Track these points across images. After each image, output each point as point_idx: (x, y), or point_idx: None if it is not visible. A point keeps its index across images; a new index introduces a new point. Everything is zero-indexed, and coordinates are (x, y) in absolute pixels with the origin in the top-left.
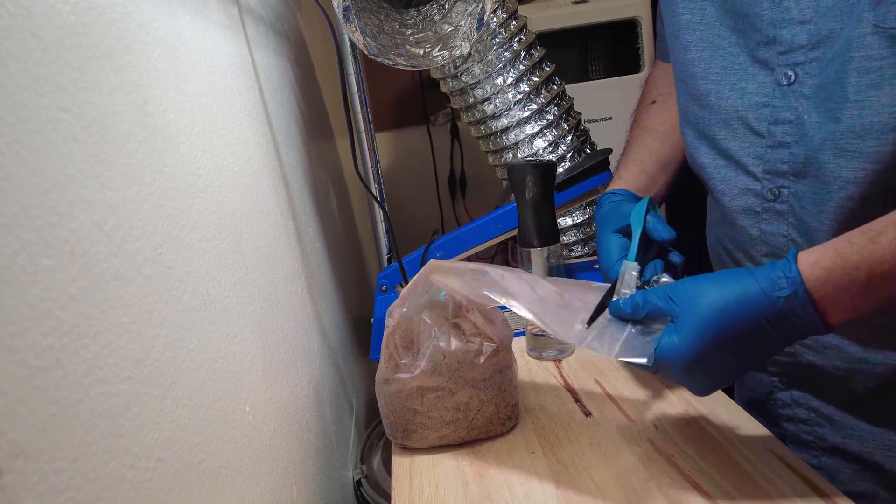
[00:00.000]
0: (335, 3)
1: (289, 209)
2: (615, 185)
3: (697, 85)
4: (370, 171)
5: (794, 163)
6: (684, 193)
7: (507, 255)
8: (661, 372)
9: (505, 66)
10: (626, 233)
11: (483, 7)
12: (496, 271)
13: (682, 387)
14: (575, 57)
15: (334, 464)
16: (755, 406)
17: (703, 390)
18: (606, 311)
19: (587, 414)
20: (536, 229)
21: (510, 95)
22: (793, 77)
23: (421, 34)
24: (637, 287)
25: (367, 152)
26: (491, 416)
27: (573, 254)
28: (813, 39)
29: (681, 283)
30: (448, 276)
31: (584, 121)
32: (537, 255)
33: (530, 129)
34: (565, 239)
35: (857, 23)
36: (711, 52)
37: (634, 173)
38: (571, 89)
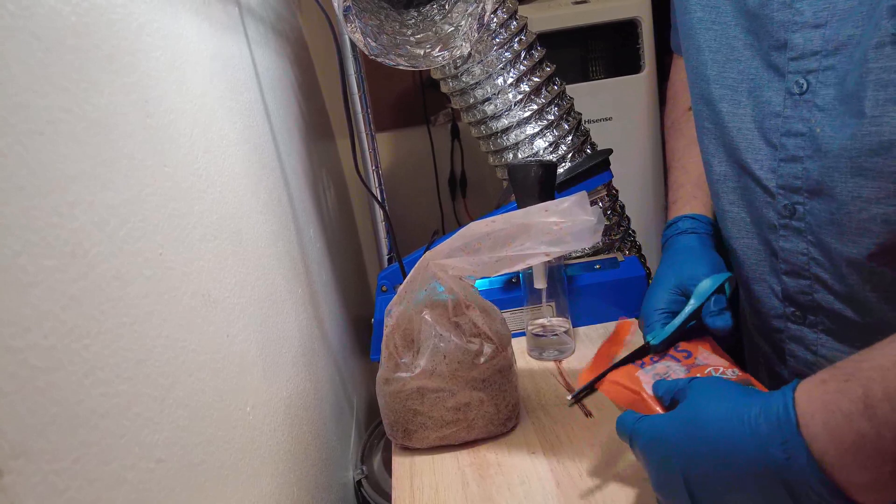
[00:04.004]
0: (335, 4)
1: (289, 209)
2: (693, 208)
3: (711, 89)
4: (371, 171)
5: (807, 179)
6: None
7: None
8: (634, 439)
9: (505, 66)
10: (685, 293)
11: (483, 7)
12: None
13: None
14: (575, 57)
15: (335, 464)
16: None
17: (658, 488)
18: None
19: (587, 414)
20: None
21: (510, 96)
22: (805, 86)
23: (421, 34)
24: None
25: (367, 152)
26: (491, 416)
27: (573, 254)
28: (828, 45)
29: (704, 381)
30: (446, 261)
31: (585, 121)
32: None
33: (531, 129)
34: None
35: (875, 31)
36: (726, 55)
37: (707, 193)
38: (572, 90)
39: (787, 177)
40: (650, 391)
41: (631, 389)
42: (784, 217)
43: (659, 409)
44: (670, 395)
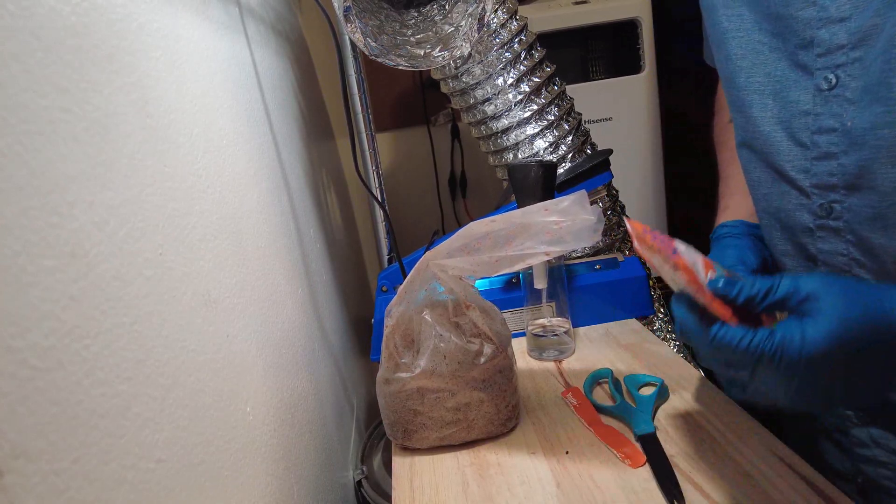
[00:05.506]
0: (336, 4)
1: (289, 209)
2: (726, 216)
3: (741, 96)
4: (371, 171)
5: (844, 175)
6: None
7: None
8: (762, 368)
9: (505, 66)
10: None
11: (484, 7)
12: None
13: (762, 395)
14: (575, 57)
15: (335, 464)
16: (830, 437)
17: (801, 400)
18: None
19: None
20: None
21: (511, 96)
22: (834, 81)
23: (421, 35)
24: None
25: (367, 153)
26: (491, 416)
27: (573, 254)
28: (854, 38)
29: (819, 277)
30: (446, 261)
31: (585, 121)
32: None
33: (531, 129)
34: None
35: None
36: (752, 60)
37: (738, 201)
38: (572, 90)
39: (822, 175)
40: (707, 284)
41: (691, 275)
42: (820, 218)
43: (715, 304)
44: (767, 299)
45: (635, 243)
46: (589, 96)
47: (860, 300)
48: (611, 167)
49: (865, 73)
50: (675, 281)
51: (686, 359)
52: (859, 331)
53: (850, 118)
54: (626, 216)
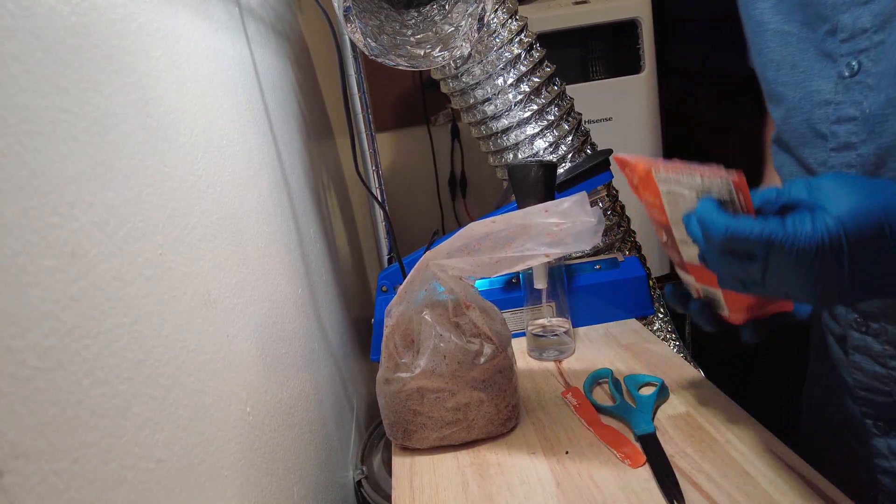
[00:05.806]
0: (336, 4)
1: (289, 209)
2: None
3: (770, 89)
4: (371, 171)
5: (864, 166)
6: None
7: None
8: (774, 256)
9: (505, 66)
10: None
11: (483, 7)
12: (481, 228)
13: (763, 290)
14: (575, 57)
15: (335, 464)
16: (847, 446)
17: (813, 291)
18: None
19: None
20: None
21: (511, 96)
22: (856, 67)
23: (421, 35)
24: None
25: (367, 153)
26: (491, 416)
27: (573, 254)
28: (877, 20)
29: (832, 175)
30: (446, 262)
31: (585, 121)
32: None
33: (531, 129)
34: None
35: None
36: (781, 52)
37: None
38: (572, 90)
39: (839, 167)
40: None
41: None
42: None
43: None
44: (781, 198)
45: (654, 173)
46: (589, 96)
47: (872, 191)
48: (611, 167)
49: (886, 57)
50: (704, 188)
51: (686, 359)
52: (870, 219)
53: (869, 105)
54: (617, 156)
